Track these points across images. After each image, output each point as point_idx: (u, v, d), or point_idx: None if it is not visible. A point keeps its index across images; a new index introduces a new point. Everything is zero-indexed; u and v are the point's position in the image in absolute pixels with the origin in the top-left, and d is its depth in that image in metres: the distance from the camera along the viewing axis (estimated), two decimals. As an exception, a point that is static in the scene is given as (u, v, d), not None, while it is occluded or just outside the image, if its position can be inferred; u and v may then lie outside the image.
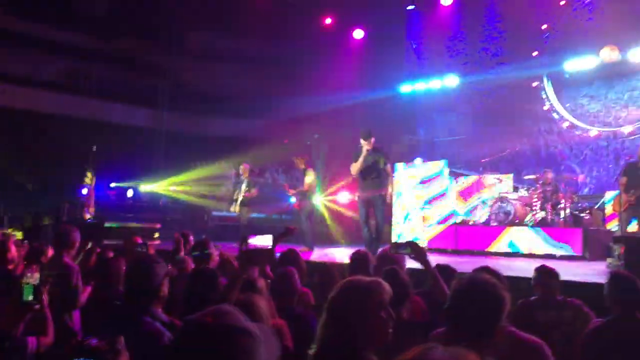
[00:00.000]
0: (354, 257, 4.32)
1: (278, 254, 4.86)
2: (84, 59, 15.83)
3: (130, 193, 15.38)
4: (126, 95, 16.09)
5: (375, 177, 8.16)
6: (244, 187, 10.82)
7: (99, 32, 15.21)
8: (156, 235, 11.85)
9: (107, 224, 10.96)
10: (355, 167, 8.25)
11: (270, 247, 2.51)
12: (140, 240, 6.47)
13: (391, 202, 8.45)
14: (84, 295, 4.80)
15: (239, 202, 10.81)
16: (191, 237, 6.18)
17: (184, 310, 3.07)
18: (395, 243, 3.81)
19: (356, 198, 8.56)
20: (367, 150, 8.08)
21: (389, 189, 8.30)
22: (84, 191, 12.26)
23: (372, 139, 8.13)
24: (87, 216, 11.59)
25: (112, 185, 15.40)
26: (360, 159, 8.13)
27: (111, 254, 5.68)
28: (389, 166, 8.31)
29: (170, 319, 2.69)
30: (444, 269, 4.12)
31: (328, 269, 4.06)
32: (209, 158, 15.64)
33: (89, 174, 11.84)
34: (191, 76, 15.89)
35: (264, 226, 12.02)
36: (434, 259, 4.20)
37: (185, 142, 15.82)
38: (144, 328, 2.55)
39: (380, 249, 4.51)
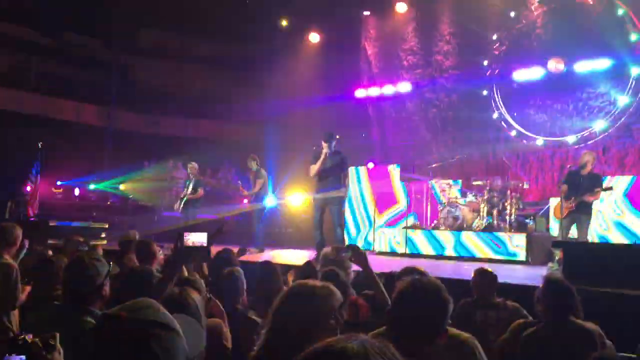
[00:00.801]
0: (305, 267, 4.32)
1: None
2: (32, 54, 15.38)
3: (77, 191, 15.00)
4: (75, 92, 15.69)
5: (332, 180, 8.16)
6: (191, 187, 10.69)
7: (47, 27, 14.80)
8: (103, 235, 11.61)
9: (51, 223, 10.63)
10: (313, 169, 8.26)
11: (205, 245, 2.48)
12: (81, 240, 6.33)
13: (345, 206, 8.48)
14: (23, 295, 4.66)
15: (183, 201, 10.68)
16: (137, 237, 6.07)
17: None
18: (337, 246, 3.85)
19: (312, 200, 8.54)
20: (327, 153, 8.09)
21: (345, 193, 8.32)
22: (28, 188, 11.89)
23: (334, 142, 8.17)
24: (31, 214, 11.23)
25: (59, 183, 14.99)
26: (319, 161, 8.14)
27: (50, 253, 5.55)
28: (347, 170, 8.34)
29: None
30: (390, 277, 4.16)
31: (269, 269, 4.04)
32: (160, 157, 15.41)
33: (34, 171, 11.46)
34: (142, 74, 15.62)
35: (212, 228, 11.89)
36: (385, 263, 4.27)
37: (135, 141, 15.53)
38: (84, 328, 2.48)
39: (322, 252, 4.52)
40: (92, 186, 15.33)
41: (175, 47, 15.38)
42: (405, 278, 2.33)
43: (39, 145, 11.43)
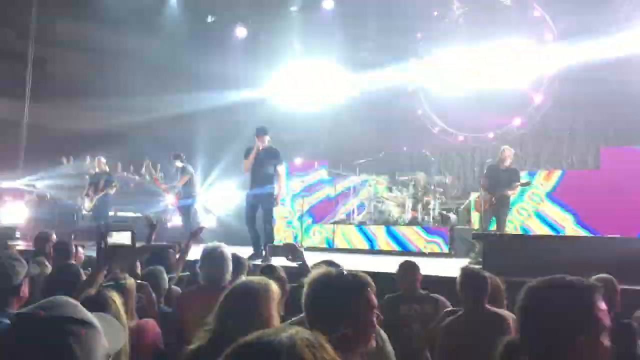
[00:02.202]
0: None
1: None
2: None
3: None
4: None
5: (264, 176, 8.05)
6: (101, 183, 10.33)
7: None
8: (18, 234, 11.05)
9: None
10: (245, 164, 8.15)
11: (130, 244, 2.40)
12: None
13: (277, 203, 8.33)
14: None
15: (93, 199, 10.30)
16: (54, 237, 5.81)
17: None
18: (272, 245, 3.84)
19: (245, 197, 8.38)
20: (259, 148, 7.99)
21: (279, 190, 8.16)
22: None
23: (267, 137, 8.08)
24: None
25: (-30, 181, 14.13)
26: (251, 156, 8.03)
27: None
28: (281, 167, 8.14)
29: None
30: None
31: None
32: (80, 153, 14.79)
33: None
34: (59, 67, 14.91)
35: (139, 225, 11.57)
36: (314, 259, 4.27)
37: (52, 136, 14.83)
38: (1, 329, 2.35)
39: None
40: (5, 184, 14.53)
41: (94, 39, 14.76)
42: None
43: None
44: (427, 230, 9.73)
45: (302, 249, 3.53)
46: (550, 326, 1.55)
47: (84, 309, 1.22)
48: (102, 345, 1.19)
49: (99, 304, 2.08)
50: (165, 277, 4.08)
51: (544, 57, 11.56)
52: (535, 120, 11.76)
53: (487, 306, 3.41)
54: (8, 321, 2.34)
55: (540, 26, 11.66)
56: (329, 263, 4.32)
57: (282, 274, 3.51)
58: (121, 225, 10.72)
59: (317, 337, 1.01)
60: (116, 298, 2.25)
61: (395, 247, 9.82)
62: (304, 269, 3.33)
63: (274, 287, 2.27)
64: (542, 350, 1.56)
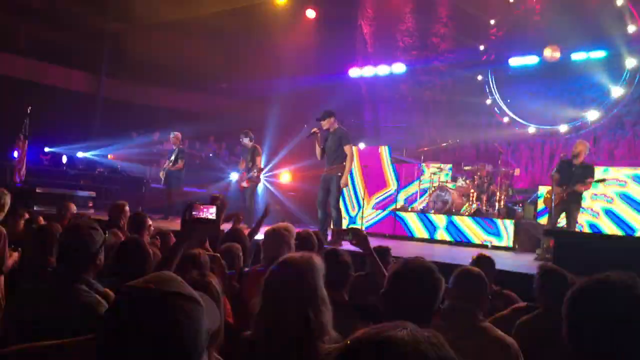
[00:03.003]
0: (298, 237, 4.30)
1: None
2: (21, 17, 15.04)
3: (64, 159, 14.82)
4: (65, 58, 15.40)
5: (332, 158, 8.05)
6: (173, 157, 10.58)
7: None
8: (90, 203, 11.50)
9: (38, 190, 10.48)
10: (317, 151, 8.22)
11: (215, 219, 2.43)
12: (74, 208, 6.25)
13: (345, 185, 8.27)
14: (10, 261, 4.60)
15: (165, 173, 10.58)
16: (127, 208, 6.00)
17: (114, 280, 2.97)
18: (338, 230, 3.82)
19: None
20: (318, 131, 8.05)
21: (345, 171, 7.99)
22: (16, 154, 11.70)
23: (331, 119, 8.08)
24: (17, 180, 11.08)
25: (46, 150, 14.80)
26: (317, 142, 8.11)
27: (42, 220, 5.47)
28: (347, 147, 8.00)
29: (104, 290, 2.59)
30: (381, 251, 4.18)
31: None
32: (150, 128, 15.24)
33: (21, 136, 11.26)
34: (135, 44, 15.32)
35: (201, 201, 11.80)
36: (375, 243, 4.25)
37: (125, 111, 15.33)
38: (80, 296, 2.45)
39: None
40: (80, 154, 15.15)
41: (169, 18, 15.08)
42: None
43: (28, 110, 11.24)
44: (488, 224, 9.51)
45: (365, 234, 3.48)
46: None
47: (188, 286, 1.23)
48: (205, 322, 1.20)
49: (201, 286, 2.11)
50: (241, 255, 4.13)
51: (625, 49, 11.02)
52: (613, 114, 11.26)
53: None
54: (86, 288, 2.45)
55: (622, 16, 11.11)
56: (384, 250, 4.32)
57: (347, 258, 3.46)
58: (206, 199, 10.96)
59: (437, 334, 0.97)
60: (216, 283, 2.28)
61: (456, 238, 9.66)
62: (369, 255, 3.31)
63: (317, 260, 2.25)
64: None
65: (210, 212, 2.39)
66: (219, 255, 3.41)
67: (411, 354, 0.91)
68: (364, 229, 10.57)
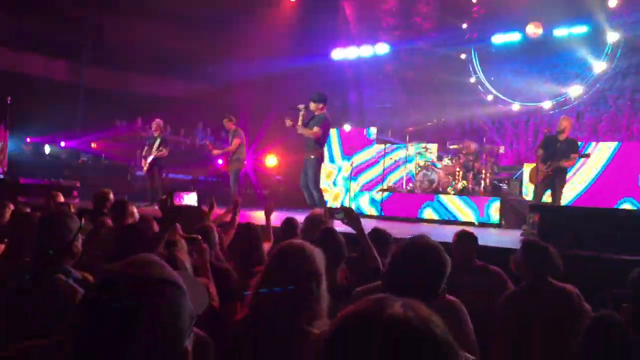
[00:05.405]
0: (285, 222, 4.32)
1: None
2: (0, 6, 14.74)
3: (47, 149, 14.65)
4: (45, 47, 15.15)
5: (309, 140, 8.13)
6: (155, 145, 10.49)
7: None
8: (75, 193, 11.39)
9: (22, 181, 10.36)
10: (296, 126, 8.23)
11: (195, 205, 2.41)
12: (62, 197, 6.18)
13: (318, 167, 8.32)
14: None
15: (148, 161, 10.50)
16: (111, 196, 5.95)
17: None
18: (330, 208, 3.81)
19: None
20: (304, 110, 8.07)
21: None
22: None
23: (320, 105, 8.07)
24: (0, 171, 10.94)
25: (28, 140, 14.61)
26: (299, 118, 8.11)
27: (28, 211, 5.40)
28: (315, 129, 8.00)
29: (83, 276, 2.57)
30: (381, 234, 4.16)
31: (250, 229, 4.00)
32: (133, 116, 15.09)
33: (2, 127, 11.09)
34: (115, 32, 15.11)
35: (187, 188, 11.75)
36: (365, 226, 4.26)
37: (107, 99, 15.14)
38: (57, 285, 2.43)
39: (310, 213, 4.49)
40: (63, 143, 14.98)
41: (149, 4, 14.85)
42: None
43: (8, 100, 11.07)
44: (475, 201, 9.57)
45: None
46: None
47: (170, 268, 1.19)
48: (188, 307, 1.16)
49: (171, 263, 2.09)
50: (216, 233, 4.12)
51: (606, 23, 11.04)
52: (595, 89, 11.31)
53: (551, 280, 3.33)
54: (64, 276, 2.43)
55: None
56: (377, 231, 4.32)
57: (341, 237, 3.45)
58: (187, 186, 10.93)
59: (430, 311, 0.95)
60: (186, 258, 2.27)
61: (444, 217, 9.71)
62: (361, 235, 3.30)
63: (318, 251, 2.23)
64: None
65: (191, 199, 2.39)
66: (199, 237, 3.36)
67: (404, 331, 0.89)
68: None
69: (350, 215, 3.30)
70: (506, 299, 3.43)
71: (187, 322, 1.16)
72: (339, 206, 3.40)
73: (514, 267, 3.84)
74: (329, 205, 8.28)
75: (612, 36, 11.05)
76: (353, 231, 3.33)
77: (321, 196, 8.21)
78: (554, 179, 7.97)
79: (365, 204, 10.62)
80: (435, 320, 0.92)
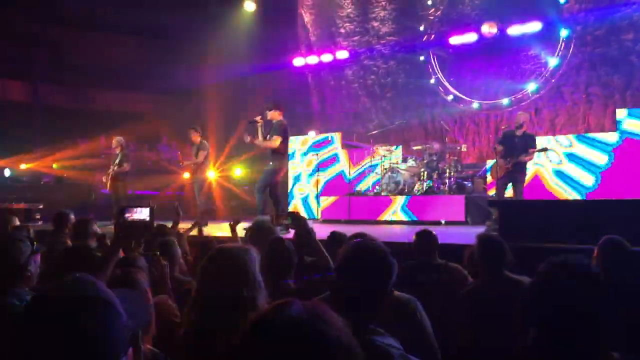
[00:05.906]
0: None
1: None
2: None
3: (7, 172, 14.32)
4: (-1, 67, 14.84)
5: (270, 150, 8.13)
6: (117, 161, 10.38)
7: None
8: (37, 216, 11.18)
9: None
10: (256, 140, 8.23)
11: (148, 220, 2.40)
12: (17, 221, 6.05)
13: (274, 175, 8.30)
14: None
15: (109, 177, 10.38)
16: (72, 216, 5.86)
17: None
18: (276, 214, 3.83)
19: None
20: (261, 121, 8.06)
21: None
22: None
23: (276, 113, 8.07)
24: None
25: (-14, 164, 14.27)
26: (257, 131, 8.10)
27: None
28: (275, 137, 7.94)
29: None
30: (338, 237, 4.17)
31: (208, 243, 4.01)
32: (94, 133, 14.86)
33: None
34: (71, 47, 14.89)
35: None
36: (330, 230, 4.27)
37: (66, 117, 14.88)
38: (7, 310, 2.39)
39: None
40: (23, 165, 14.67)
41: (103, 17, 14.66)
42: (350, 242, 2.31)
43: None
44: (440, 200, 9.69)
45: (309, 220, 3.48)
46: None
47: (102, 286, 1.22)
48: (121, 324, 1.19)
49: (126, 283, 2.07)
50: (177, 247, 4.10)
51: (558, 20, 11.32)
52: (551, 85, 11.57)
53: (506, 272, 3.41)
54: (17, 301, 2.40)
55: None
56: (335, 234, 4.34)
57: (290, 246, 3.46)
58: (140, 201, 10.79)
59: (327, 309, 0.97)
60: (143, 277, 2.25)
61: (412, 217, 9.80)
62: (308, 239, 3.30)
63: (253, 249, 2.25)
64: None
65: (143, 214, 2.37)
66: (157, 252, 3.34)
67: (296, 332, 0.92)
68: (319, 214, 10.62)
69: (297, 219, 3.31)
70: (466, 293, 3.50)
71: (121, 336, 1.18)
72: (286, 213, 3.39)
73: (467, 261, 3.93)
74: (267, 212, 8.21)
75: (565, 32, 11.33)
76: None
77: (260, 201, 8.08)
78: (515, 174, 8.11)
79: (330, 207, 10.68)
80: (334, 323, 0.95)
